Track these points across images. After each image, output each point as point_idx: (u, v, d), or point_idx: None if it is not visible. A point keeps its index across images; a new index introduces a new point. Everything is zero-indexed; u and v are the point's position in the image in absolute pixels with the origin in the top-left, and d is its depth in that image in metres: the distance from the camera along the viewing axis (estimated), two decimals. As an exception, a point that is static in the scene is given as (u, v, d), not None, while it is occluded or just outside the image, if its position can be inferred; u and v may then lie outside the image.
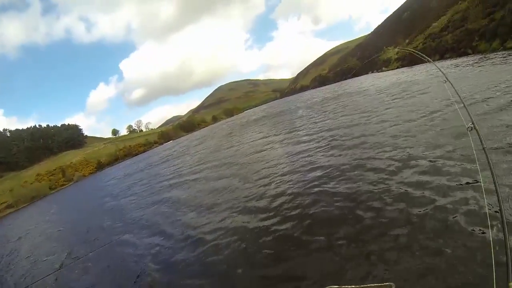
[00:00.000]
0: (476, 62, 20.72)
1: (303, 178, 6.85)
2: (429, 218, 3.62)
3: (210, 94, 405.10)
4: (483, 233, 3.03)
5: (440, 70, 3.63)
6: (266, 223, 5.17)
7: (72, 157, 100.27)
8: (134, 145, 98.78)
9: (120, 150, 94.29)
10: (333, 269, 3.35)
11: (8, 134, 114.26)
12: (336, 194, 5.28)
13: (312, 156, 8.59)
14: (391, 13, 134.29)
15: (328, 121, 14.49)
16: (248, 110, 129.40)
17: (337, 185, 5.67)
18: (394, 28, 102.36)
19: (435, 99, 10.63)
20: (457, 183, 4.20)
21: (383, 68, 67.05)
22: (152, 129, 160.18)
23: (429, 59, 3.95)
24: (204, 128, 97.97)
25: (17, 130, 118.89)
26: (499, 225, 1.53)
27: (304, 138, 11.88)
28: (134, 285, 4.88)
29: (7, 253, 12.05)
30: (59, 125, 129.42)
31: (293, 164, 8.38)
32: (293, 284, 3.38)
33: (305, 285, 3.28)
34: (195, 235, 5.86)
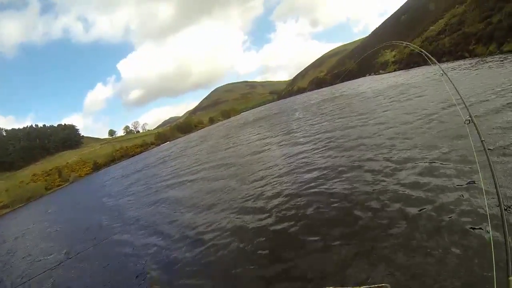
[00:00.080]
0: (473, 66, 20.93)
1: (300, 179, 6.88)
2: (427, 218, 3.64)
3: (207, 96, 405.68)
4: (483, 232, 3.04)
5: (443, 71, 3.67)
6: (264, 223, 5.20)
7: (68, 157, 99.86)
8: (131, 146, 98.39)
9: (117, 150, 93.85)
10: (331, 269, 3.37)
11: (4, 133, 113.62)
12: (333, 195, 5.31)
13: (309, 157, 8.62)
14: (389, 15, 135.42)
15: (325, 123, 14.56)
16: (245, 112, 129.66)
17: (334, 186, 5.71)
18: (392, 30, 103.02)
19: (432, 102, 10.74)
20: (456, 183, 4.23)
21: (381, 71, 67.61)
22: (149, 130, 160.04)
23: (435, 60, 3.93)
24: (201, 130, 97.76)
25: (13, 129, 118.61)
26: (499, 224, 1.56)
27: (301, 139, 11.92)
28: (132, 285, 4.88)
29: (3, 253, 11.95)
30: (56, 125, 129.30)
31: (290, 166, 8.41)
32: (291, 284, 3.39)
33: (303, 285, 3.30)
34: (193, 235, 5.87)
